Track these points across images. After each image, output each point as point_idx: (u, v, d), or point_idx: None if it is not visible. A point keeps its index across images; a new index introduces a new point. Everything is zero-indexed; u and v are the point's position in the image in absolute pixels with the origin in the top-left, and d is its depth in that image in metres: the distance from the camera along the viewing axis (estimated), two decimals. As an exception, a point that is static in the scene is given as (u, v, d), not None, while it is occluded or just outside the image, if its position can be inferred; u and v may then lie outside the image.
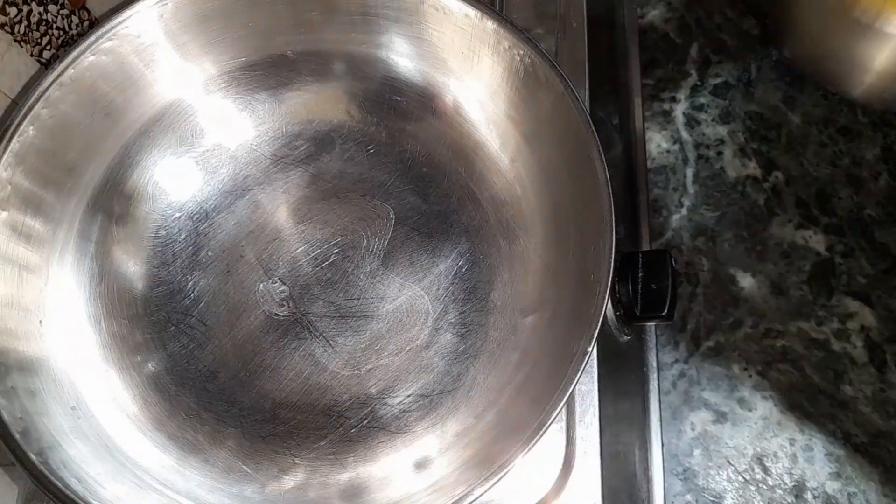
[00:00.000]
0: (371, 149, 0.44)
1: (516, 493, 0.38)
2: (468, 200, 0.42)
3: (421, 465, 0.37)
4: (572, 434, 0.39)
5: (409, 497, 0.36)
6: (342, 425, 0.39)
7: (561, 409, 0.32)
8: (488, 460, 0.33)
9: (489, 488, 0.31)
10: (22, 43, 0.44)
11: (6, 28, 0.43)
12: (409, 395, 0.39)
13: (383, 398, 0.39)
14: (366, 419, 0.39)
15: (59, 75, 0.38)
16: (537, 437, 0.31)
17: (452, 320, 0.40)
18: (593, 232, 0.35)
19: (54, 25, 0.46)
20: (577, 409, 0.39)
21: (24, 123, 0.37)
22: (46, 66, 0.46)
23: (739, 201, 0.58)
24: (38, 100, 0.38)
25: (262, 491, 0.38)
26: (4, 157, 0.37)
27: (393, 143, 0.44)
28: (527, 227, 0.41)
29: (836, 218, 0.57)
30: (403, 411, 0.39)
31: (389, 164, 0.43)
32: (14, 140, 0.37)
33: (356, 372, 0.40)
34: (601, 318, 0.33)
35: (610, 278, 0.33)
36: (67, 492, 0.33)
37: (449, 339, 0.40)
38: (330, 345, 0.40)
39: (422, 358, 0.40)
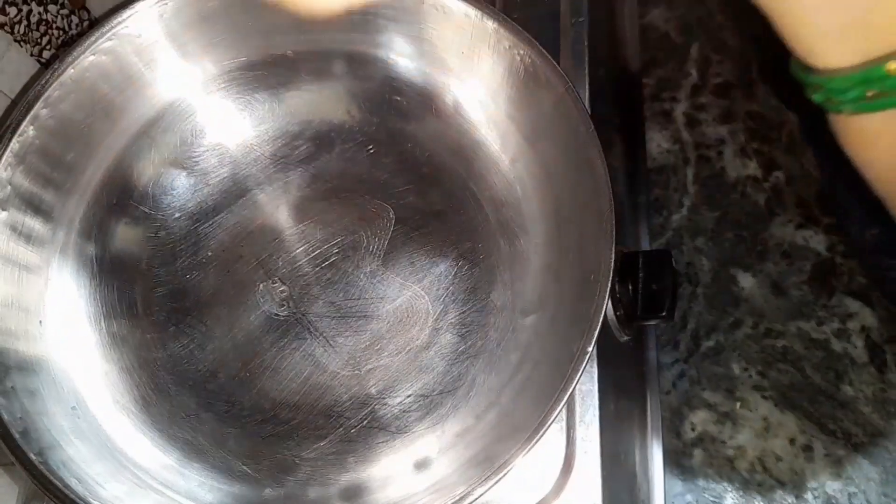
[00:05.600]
0: (371, 149, 0.44)
1: (516, 493, 0.38)
2: (468, 200, 0.42)
3: (421, 465, 0.37)
4: (572, 434, 0.39)
5: (409, 497, 0.36)
6: (342, 425, 0.39)
7: (561, 409, 0.32)
8: (488, 460, 0.33)
9: (489, 488, 0.31)
10: (22, 43, 0.44)
11: (6, 28, 0.43)
12: (409, 396, 0.39)
13: (383, 398, 0.39)
14: (366, 419, 0.39)
15: (59, 75, 0.38)
16: (537, 437, 0.31)
17: (452, 320, 0.40)
18: (593, 232, 0.35)
19: (54, 25, 0.46)
20: (578, 409, 0.39)
21: (24, 123, 0.37)
22: (46, 65, 0.45)
23: (740, 201, 0.58)
24: (37, 99, 0.38)
25: (262, 491, 0.38)
26: (4, 156, 0.37)
27: (393, 143, 0.43)
28: (527, 227, 0.41)
29: (836, 218, 0.56)
30: (403, 411, 0.39)
31: (389, 164, 0.43)
32: (14, 140, 0.37)
33: (356, 372, 0.40)
34: (601, 319, 0.33)
35: (610, 278, 0.33)
36: (67, 492, 0.33)
37: (449, 340, 0.40)
38: (330, 345, 0.40)
39: (422, 358, 0.39)
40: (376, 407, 0.39)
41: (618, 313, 0.42)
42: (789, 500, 0.50)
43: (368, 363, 0.40)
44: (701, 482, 0.51)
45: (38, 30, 0.45)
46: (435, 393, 0.39)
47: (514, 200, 0.41)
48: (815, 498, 0.50)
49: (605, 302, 0.33)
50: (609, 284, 0.33)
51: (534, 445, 0.31)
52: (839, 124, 0.27)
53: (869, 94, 0.23)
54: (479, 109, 0.42)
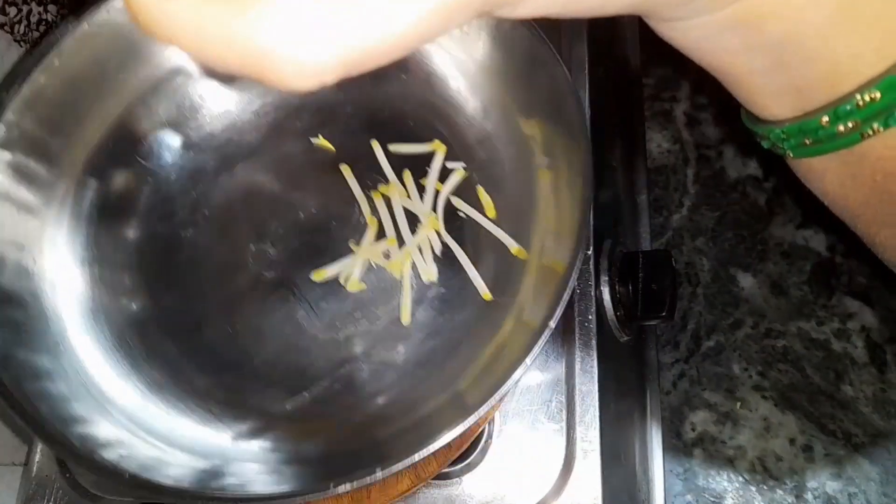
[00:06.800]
0: (372, 124, 0.44)
1: (517, 494, 0.38)
2: (461, 182, 0.43)
3: (387, 423, 0.38)
4: (572, 434, 0.39)
5: (379, 452, 0.36)
6: (317, 385, 0.39)
7: (513, 384, 0.32)
8: (438, 429, 0.32)
9: (426, 454, 0.31)
10: (22, 43, 0.44)
11: (6, 28, 0.43)
12: (384, 362, 0.39)
13: (360, 363, 0.40)
14: (340, 381, 0.39)
15: (73, 28, 0.39)
16: (483, 408, 0.31)
17: (433, 294, 0.41)
18: (571, 179, 0.36)
19: (54, 25, 0.46)
20: (578, 410, 0.39)
21: (37, 71, 0.38)
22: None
23: (740, 201, 0.58)
24: (50, 50, 0.38)
25: (238, 444, 0.38)
26: (15, 100, 0.38)
27: (393, 118, 0.44)
28: (502, 189, 0.42)
29: (836, 217, 0.56)
30: (377, 377, 0.39)
31: (388, 138, 0.44)
32: (25, 86, 0.38)
33: (335, 337, 0.40)
34: (568, 295, 0.33)
35: (587, 234, 0.34)
36: (44, 424, 0.34)
37: (428, 312, 0.40)
38: (313, 309, 0.41)
39: (400, 328, 0.40)
40: (352, 371, 0.39)
41: (618, 313, 0.42)
42: (789, 500, 0.50)
43: (348, 329, 0.40)
44: (701, 482, 0.51)
45: (37, 30, 0.45)
46: (411, 361, 0.39)
47: (498, 166, 0.42)
48: (815, 498, 0.50)
49: (578, 261, 0.33)
50: (584, 239, 0.34)
51: (479, 417, 0.31)
52: (790, 162, 0.29)
53: (807, 141, 0.26)
54: (460, 77, 0.43)
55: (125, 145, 0.43)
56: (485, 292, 0.40)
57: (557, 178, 0.38)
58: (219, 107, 0.44)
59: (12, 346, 0.36)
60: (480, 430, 0.39)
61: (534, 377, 0.40)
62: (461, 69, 0.43)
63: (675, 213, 0.58)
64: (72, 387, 0.37)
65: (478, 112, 0.43)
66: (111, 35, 0.40)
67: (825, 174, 0.27)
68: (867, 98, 0.23)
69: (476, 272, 0.40)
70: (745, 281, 0.56)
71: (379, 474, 0.31)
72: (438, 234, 0.41)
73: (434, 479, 0.38)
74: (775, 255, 0.56)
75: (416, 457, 0.31)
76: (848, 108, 0.23)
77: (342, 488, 0.31)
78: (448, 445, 0.37)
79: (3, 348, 0.35)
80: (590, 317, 0.41)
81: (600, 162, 0.45)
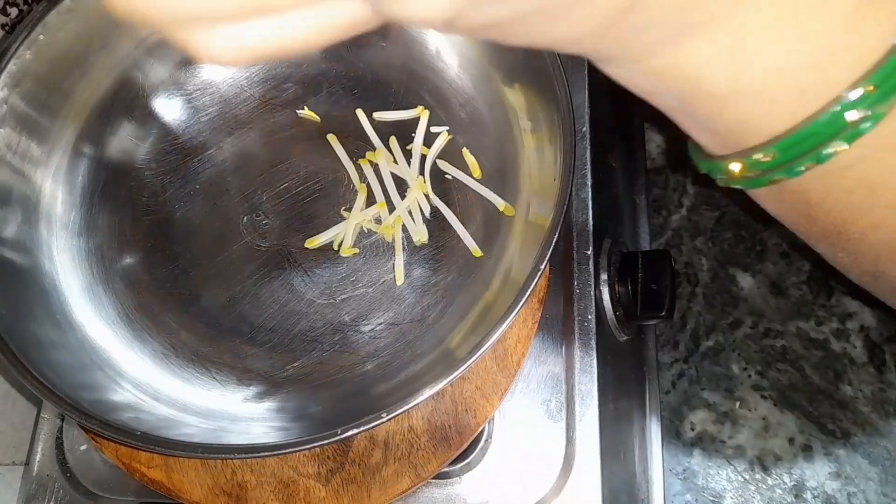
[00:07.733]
0: (357, 92, 0.45)
1: (516, 493, 0.38)
2: (446, 145, 0.43)
3: (386, 379, 0.38)
4: (572, 434, 0.39)
5: (376, 405, 0.37)
6: (316, 349, 0.40)
7: (501, 332, 0.32)
8: (431, 383, 0.33)
9: (423, 400, 0.32)
10: (22, 43, 0.44)
11: (7, 28, 0.43)
12: (380, 324, 0.40)
13: (356, 325, 0.40)
14: (338, 344, 0.40)
15: (57, 3, 0.39)
16: (466, 365, 0.32)
17: (425, 255, 0.42)
18: (551, 136, 0.36)
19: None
20: (577, 409, 0.39)
21: (22, 48, 0.38)
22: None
23: (739, 201, 0.58)
24: (35, 26, 0.38)
25: (243, 407, 0.39)
26: (1, 77, 0.38)
27: (377, 87, 0.45)
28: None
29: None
30: (373, 337, 0.40)
31: (373, 107, 0.44)
32: (11, 63, 0.38)
33: (331, 301, 0.41)
34: (554, 241, 0.33)
35: (569, 187, 0.34)
36: (52, 389, 0.34)
37: (421, 274, 0.41)
38: (308, 275, 0.42)
39: (394, 290, 0.41)
40: (349, 333, 0.40)
41: (617, 313, 0.43)
42: (788, 500, 0.51)
43: (343, 293, 0.41)
44: (700, 481, 0.51)
45: (38, 30, 0.45)
46: (405, 321, 0.40)
47: (478, 122, 0.42)
48: (814, 497, 0.50)
49: (562, 216, 0.34)
50: (567, 195, 0.34)
51: (466, 369, 0.32)
52: None
53: (725, 177, 0.27)
54: (439, 41, 0.43)
55: (114, 122, 0.43)
56: (475, 249, 0.40)
57: (541, 138, 0.39)
58: (205, 80, 0.45)
59: (17, 318, 0.36)
60: (480, 429, 0.39)
61: (533, 377, 0.40)
62: (440, 33, 0.43)
63: (674, 213, 0.58)
64: (79, 357, 0.38)
65: (459, 76, 0.43)
66: (95, 9, 0.40)
67: (758, 196, 0.29)
68: (768, 157, 0.24)
69: (466, 231, 0.41)
70: (745, 281, 0.56)
71: (385, 417, 0.31)
72: (427, 196, 0.42)
73: (434, 478, 0.38)
74: (774, 255, 0.56)
75: (417, 401, 0.32)
76: (753, 159, 0.25)
77: (350, 433, 0.31)
78: (448, 444, 0.37)
79: (9, 319, 0.36)
80: (589, 316, 0.41)
81: (600, 162, 0.45)
